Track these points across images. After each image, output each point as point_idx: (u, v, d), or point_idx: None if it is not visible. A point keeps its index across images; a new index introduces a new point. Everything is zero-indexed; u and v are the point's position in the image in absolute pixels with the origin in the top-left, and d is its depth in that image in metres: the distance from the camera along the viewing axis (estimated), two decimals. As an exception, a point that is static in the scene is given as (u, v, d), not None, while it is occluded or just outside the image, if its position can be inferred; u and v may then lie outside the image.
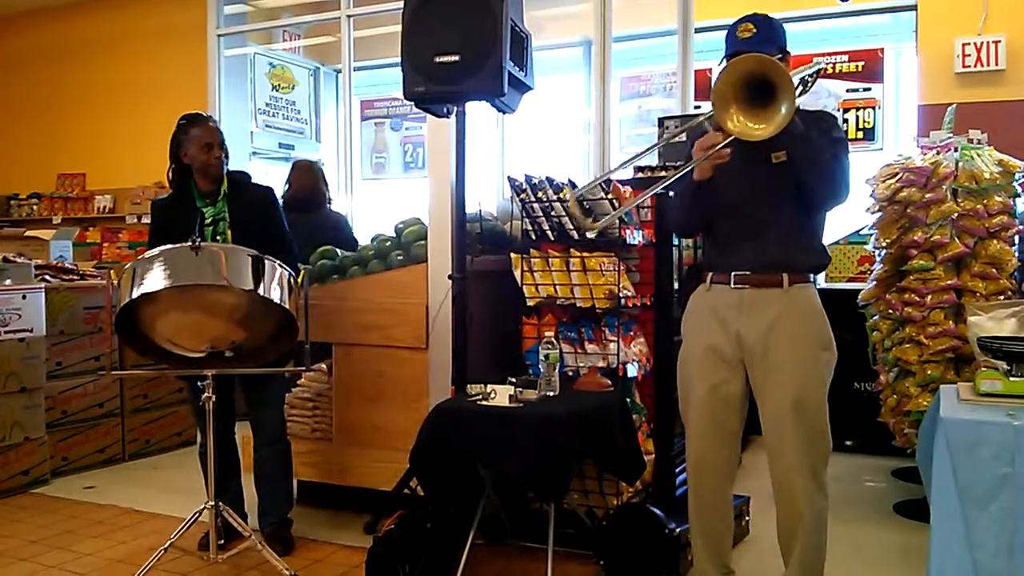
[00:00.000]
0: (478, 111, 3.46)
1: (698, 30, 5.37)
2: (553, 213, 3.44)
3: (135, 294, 2.96)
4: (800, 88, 2.62)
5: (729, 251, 2.68)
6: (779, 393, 2.57)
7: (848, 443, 4.87)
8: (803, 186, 2.56)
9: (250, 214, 3.47)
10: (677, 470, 3.49)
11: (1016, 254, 3.77)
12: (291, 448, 3.67)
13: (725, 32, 2.67)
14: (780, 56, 2.61)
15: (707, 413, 2.68)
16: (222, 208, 3.45)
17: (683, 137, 3.05)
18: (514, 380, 3.08)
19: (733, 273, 2.65)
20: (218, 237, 3.42)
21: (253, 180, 3.71)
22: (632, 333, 3.47)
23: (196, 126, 3.42)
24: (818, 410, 2.59)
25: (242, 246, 3.14)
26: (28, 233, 7.74)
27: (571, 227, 3.42)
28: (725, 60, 2.58)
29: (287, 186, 4.96)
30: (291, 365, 3.48)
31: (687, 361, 2.77)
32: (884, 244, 3.94)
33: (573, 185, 3.54)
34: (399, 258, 3.83)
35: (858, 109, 5.86)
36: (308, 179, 5.00)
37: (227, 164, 3.48)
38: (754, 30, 2.60)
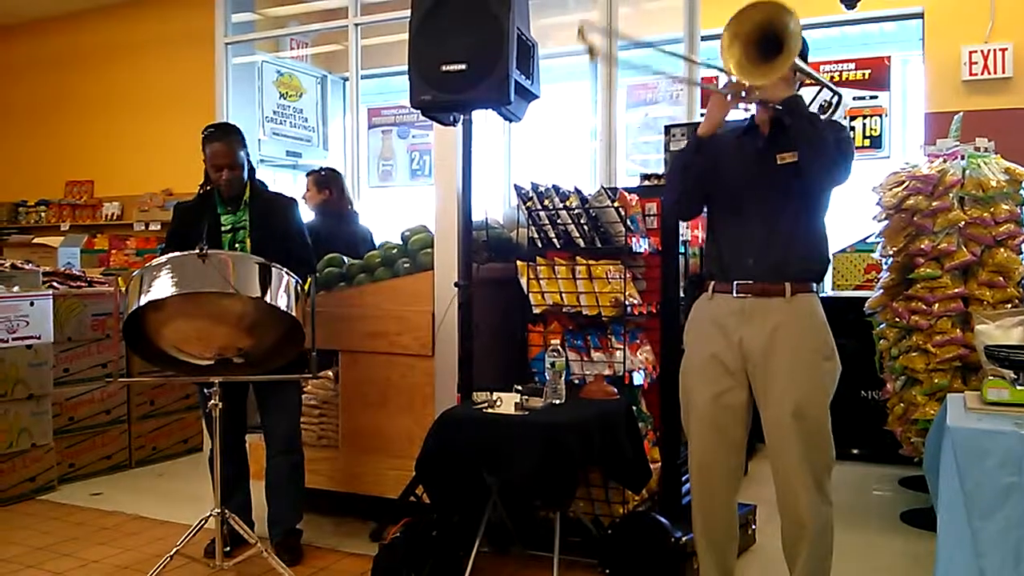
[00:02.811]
0: (484, 119, 3.47)
1: (704, 38, 5.36)
2: (559, 221, 3.45)
3: (142, 301, 2.97)
4: (818, 111, 2.67)
5: (731, 260, 2.67)
6: (780, 402, 2.57)
7: (855, 451, 4.86)
8: (800, 164, 2.50)
9: (270, 223, 3.47)
10: (683, 478, 3.48)
11: (1023, 262, 3.76)
12: (304, 459, 3.64)
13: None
14: None
15: (709, 422, 2.68)
16: (243, 216, 3.46)
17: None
18: (520, 388, 3.09)
19: (735, 282, 2.64)
20: (237, 245, 3.43)
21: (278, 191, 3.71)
22: (638, 341, 3.47)
23: (210, 144, 3.42)
24: (819, 419, 2.57)
25: (256, 253, 3.14)
26: (36, 240, 7.79)
27: (577, 235, 3.42)
28: None
29: (327, 193, 4.85)
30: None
31: (689, 370, 2.76)
32: (891, 252, 3.93)
33: (579, 193, 3.54)
34: (405, 266, 3.83)
35: (865, 117, 5.85)
36: (343, 184, 4.98)
37: (247, 173, 3.48)
38: None
